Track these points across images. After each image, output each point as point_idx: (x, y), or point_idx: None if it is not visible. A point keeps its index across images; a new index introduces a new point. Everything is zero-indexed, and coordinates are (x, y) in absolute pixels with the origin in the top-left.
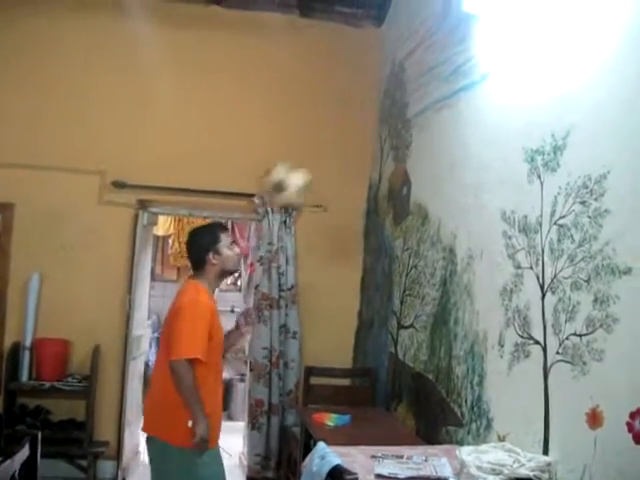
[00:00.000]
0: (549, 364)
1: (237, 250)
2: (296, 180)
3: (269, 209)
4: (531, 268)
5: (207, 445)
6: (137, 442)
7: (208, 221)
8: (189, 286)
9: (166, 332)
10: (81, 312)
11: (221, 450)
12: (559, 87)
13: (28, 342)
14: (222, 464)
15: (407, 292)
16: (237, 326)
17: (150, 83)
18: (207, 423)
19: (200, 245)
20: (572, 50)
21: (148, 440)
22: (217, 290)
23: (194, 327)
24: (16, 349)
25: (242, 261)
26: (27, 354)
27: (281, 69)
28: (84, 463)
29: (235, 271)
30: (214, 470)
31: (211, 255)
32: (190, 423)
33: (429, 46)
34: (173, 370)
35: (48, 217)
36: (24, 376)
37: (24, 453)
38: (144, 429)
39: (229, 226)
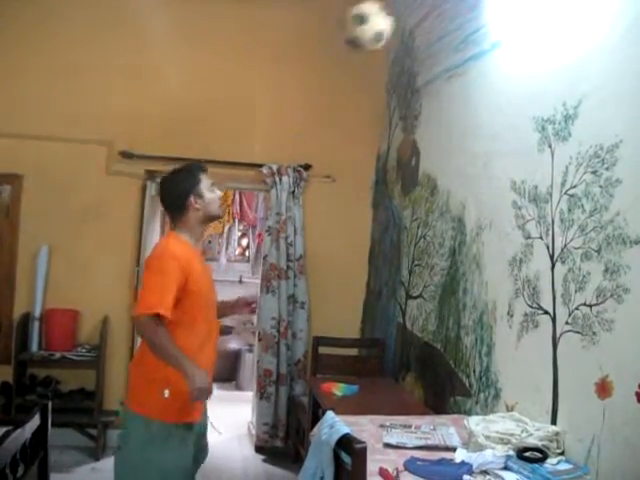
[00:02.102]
0: (558, 334)
1: (218, 192)
2: (381, 23)
3: (277, 179)
4: (541, 238)
5: (210, 392)
6: None
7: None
8: (162, 240)
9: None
10: (90, 283)
11: (210, 426)
12: (571, 55)
13: (38, 313)
14: (189, 448)
15: (416, 262)
16: (234, 304)
17: (157, 53)
18: (200, 370)
19: (179, 189)
20: (584, 18)
21: (124, 411)
22: (225, 260)
23: (156, 282)
24: (26, 320)
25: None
26: (37, 325)
27: (288, 39)
28: (94, 432)
29: (219, 216)
30: (175, 454)
31: (192, 199)
32: (167, 393)
33: (439, 14)
34: (138, 329)
35: (56, 188)
36: (34, 346)
37: (35, 422)
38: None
39: (234, 195)
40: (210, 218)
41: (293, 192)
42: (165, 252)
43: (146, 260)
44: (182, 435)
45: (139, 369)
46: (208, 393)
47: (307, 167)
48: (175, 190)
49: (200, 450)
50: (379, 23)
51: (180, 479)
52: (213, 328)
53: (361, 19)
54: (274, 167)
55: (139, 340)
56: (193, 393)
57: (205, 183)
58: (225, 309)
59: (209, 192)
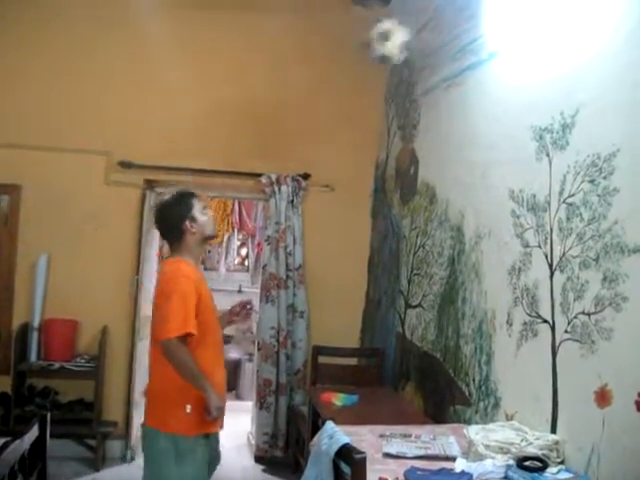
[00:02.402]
0: (557, 343)
1: (210, 213)
2: (401, 35)
3: (276, 188)
4: (539, 247)
5: (222, 411)
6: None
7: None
8: (168, 263)
9: (153, 318)
10: (89, 293)
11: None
12: (568, 65)
13: (36, 323)
14: (205, 457)
15: (415, 271)
16: (230, 313)
17: (156, 63)
18: (215, 391)
19: (174, 216)
20: (581, 27)
21: (143, 431)
22: (224, 270)
23: (179, 304)
24: (25, 330)
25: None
26: (36, 335)
27: (286, 48)
28: (93, 443)
29: (214, 236)
30: (198, 465)
31: (188, 223)
32: (189, 408)
33: (437, 24)
34: (165, 352)
35: (55, 198)
36: (33, 357)
37: (33, 433)
38: (144, 421)
39: (233, 205)
40: (206, 238)
41: (292, 201)
42: (178, 274)
43: (160, 285)
44: (203, 446)
45: (160, 391)
46: (221, 412)
47: (306, 176)
48: (170, 217)
49: (215, 457)
50: (400, 36)
51: None
52: (220, 344)
53: (385, 37)
54: (273, 176)
55: (140, 351)
56: (212, 412)
57: (197, 207)
58: (222, 321)
59: (202, 215)
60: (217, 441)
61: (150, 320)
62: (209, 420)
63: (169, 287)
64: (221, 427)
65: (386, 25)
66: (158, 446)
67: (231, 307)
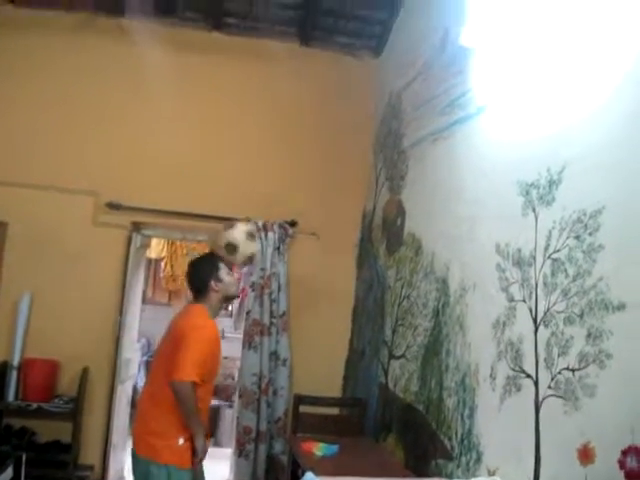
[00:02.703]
0: (541, 398)
1: (236, 276)
2: (240, 233)
3: (262, 235)
4: (524, 301)
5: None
6: (122, 467)
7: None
8: (196, 308)
9: (168, 352)
10: (71, 333)
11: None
12: (555, 122)
13: (16, 362)
14: None
15: (399, 322)
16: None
17: (148, 105)
18: (203, 441)
19: (202, 273)
20: (569, 85)
21: (135, 461)
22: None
23: (199, 350)
24: (4, 368)
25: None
26: (14, 374)
27: (279, 96)
28: None
29: (236, 296)
30: None
31: (213, 282)
32: (181, 441)
33: (426, 78)
34: (177, 390)
35: (41, 236)
36: (11, 396)
37: (7, 474)
38: (135, 450)
39: None
40: (228, 298)
41: (278, 248)
42: (206, 324)
43: (189, 326)
44: (192, 477)
45: (155, 426)
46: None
47: (293, 223)
48: (199, 274)
49: None
50: (247, 249)
51: None
52: (210, 396)
53: (233, 248)
54: (260, 223)
55: (119, 394)
56: (199, 456)
57: (224, 269)
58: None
59: (227, 276)
60: (202, 472)
61: (157, 352)
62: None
63: (197, 331)
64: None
65: (236, 236)
66: (151, 475)
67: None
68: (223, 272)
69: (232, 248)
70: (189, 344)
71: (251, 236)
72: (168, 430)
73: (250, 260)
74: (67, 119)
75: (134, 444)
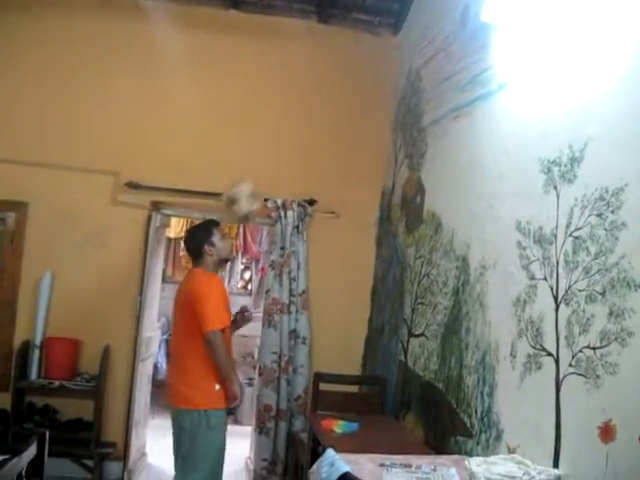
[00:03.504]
0: (561, 376)
1: (229, 240)
2: (243, 192)
3: (282, 213)
4: (545, 279)
5: (241, 401)
6: (144, 444)
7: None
8: (197, 272)
9: (185, 315)
10: (92, 312)
11: None
12: (577, 98)
13: (38, 341)
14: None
15: (419, 300)
16: (235, 320)
17: (167, 85)
18: (237, 386)
19: (197, 240)
20: (590, 61)
21: (174, 414)
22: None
23: (217, 301)
24: (26, 347)
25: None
26: (37, 353)
27: (297, 74)
28: (90, 463)
29: (231, 258)
30: (223, 433)
31: (207, 247)
32: (217, 387)
33: (446, 55)
34: (209, 341)
35: (61, 216)
36: (33, 374)
37: (31, 452)
38: (171, 402)
39: (238, 228)
40: (222, 261)
41: (297, 227)
42: (212, 279)
43: (197, 287)
44: (225, 417)
45: (191, 376)
46: (241, 401)
47: (312, 202)
48: (194, 240)
49: None
50: (247, 206)
51: (224, 454)
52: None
53: (232, 201)
54: (279, 201)
55: (141, 372)
56: (238, 397)
57: (217, 234)
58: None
59: (220, 241)
60: None
61: (173, 320)
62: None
63: (206, 287)
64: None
65: (238, 192)
66: (192, 422)
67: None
68: (216, 237)
69: (231, 202)
70: (205, 298)
71: (252, 196)
72: (202, 380)
73: (248, 219)
74: (86, 99)
75: (171, 396)
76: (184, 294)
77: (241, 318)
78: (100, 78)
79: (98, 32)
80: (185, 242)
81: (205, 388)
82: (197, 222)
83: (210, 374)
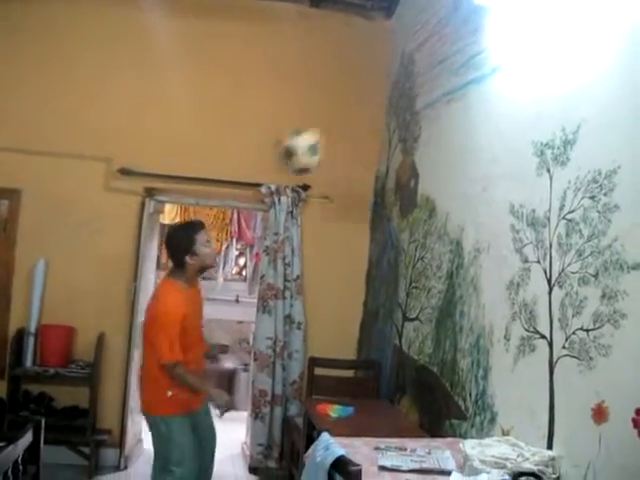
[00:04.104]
0: (555, 359)
1: (213, 246)
2: (303, 143)
3: (276, 199)
4: (538, 262)
5: (229, 404)
6: (139, 430)
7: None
8: (162, 289)
9: (147, 333)
10: (86, 299)
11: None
12: (570, 81)
13: (33, 328)
14: (192, 432)
15: (413, 284)
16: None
17: (159, 72)
18: (217, 389)
19: (177, 248)
20: (584, 43)
21: (146, 419)
22: (222, 279)
23: (169, 337)
24: (21, 335)
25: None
26: (32, 340)
27: (290, 59)
28: (87, 450)
29: (212, 267)
30: (186, 436)
31: (188, 257)
32: (169, 393)
33: (440, 38)
34: (169, 371)
35: (55, 203)
36: (28, 362)
37: (27, 439)
38: (141, 410)
39: (232, 214)
40: (204, 268)
41: (291, 212)
42: (169, 306)
43: (152, 313)
44: (188, 421)
45: (146, 382)
46: (229, 404)
47: (306, 188)
48: (174, 248)
49: (209, 428)
50: (304, 161)
51: (191, 452)
52: (197, 349)
53: (290, 153)
54: (273, 187)
55: (136, 359)
56: (222, 409)
57: (201, 240)
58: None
59: (204, 247)
60: (207, 412)
61: (143, 329)
62: (190, 400)
63: (161, 317)
64: (204, 401)
65: (299, 143)
66: (153, 426)
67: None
68: (199, 245)
69: (289, 153)
70: (160, 330)
71: (313, 149)
72: (157, 387)
73: (304, 171)
74: (79, 86)
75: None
76: (148, 310)
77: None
78: (93, 66)
79: (92, 20)
80: (166, 245)
81: (156, 394)
82: (178, 223)
83: (162, 380)
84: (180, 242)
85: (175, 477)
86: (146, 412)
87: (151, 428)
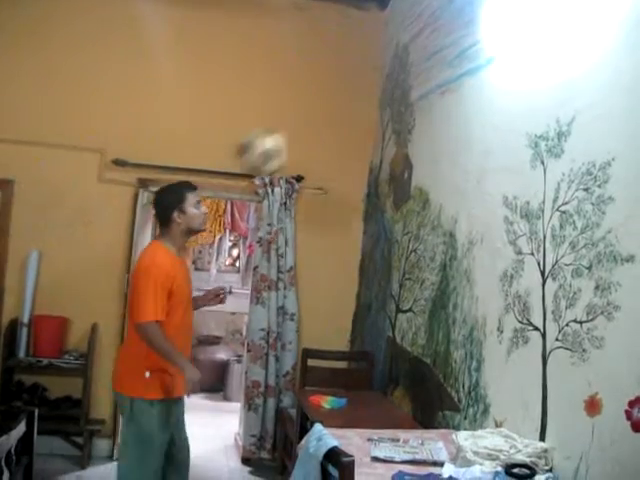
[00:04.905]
0: (548, 350)
1: (203, 209)
2: (265, 144)
3: (269, 190)
4: (532, 254)
5: (197, 378)
6: None
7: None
8: (148, 249)
9: (129, 295)
10: (79, 290)
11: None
12: (564, 72)
13: (26, 319)
14: (172, 416)
15: (406, 276)
16: (204, 297)
17: (153, 62)
18: (190, 364)
19: (165, 204)
20: (578, 35)
21: (114, 396)
22: (215, 270)
23: (152, 291)
24: (14, 325)
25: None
26: (25, 331)
27: (283, 50)
28: (80, 440)
29: (201, 230)
30: (153, 425)
31: (176, 214)
32: (147, 374)
33: (434, 29)
34: (140, 332)
35: (48, 194)
36: (21, 352)
37: (20, 429)
38: (112, 386)
39: (226, 205)
40: (191, 231)
41: (285, 203)
42: (153, 262)
43: (136, 270)
44: (164, 409)
45: (123, 358)
46: (198, 380)
47: (299, 179)
48: (162, 204)
49: (183, 439)
50: (254, 162)
51: (157, 447)
52: (187, 318)
53: (245, 149)
54: (266, 178)
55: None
56: (188, 384)
57: (190, 200)
58: (197, 302)
59: (193, 208)
60: (182, 411)
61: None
62: (171, 385)
63: (143, 274)
64: (186, 393)
65: (246, 139)
66: (121, 408)
67: (205, 292)
68: (189, 204)
69: (244, 151)
70: (140, 285)
71: (267, 154)
72: (134, 365)
73: (255, 171)
74: (72, 77)
75: (112, 380)
76: (134, 269)
77: (212, 297)
78: (87, 57)
79: (83, 11)
80: (153, 204)
81: (133, 373)
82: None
83: (141, 358)
84: (169, 198)
85: (131, 465)
86: (119, 391)
87: (120, 407)
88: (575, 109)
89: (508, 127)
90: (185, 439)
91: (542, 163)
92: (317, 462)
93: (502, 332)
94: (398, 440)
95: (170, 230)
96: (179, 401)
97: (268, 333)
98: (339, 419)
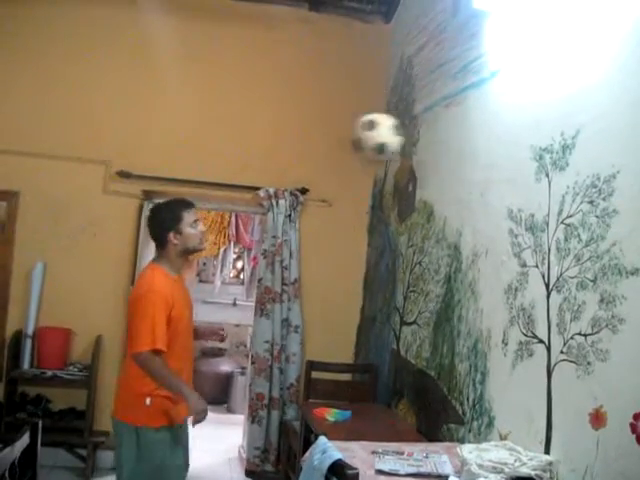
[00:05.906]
0: (553, 363)
1: (201, 227)
2: (386, 120)
3: (274, 202)
4: (537, 267)
5: (205, 413)
6: None
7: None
8: (146, 273)
9: (128, 324)
10: (84, 301)
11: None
12: (569, 86)
13: (30, 330)
14: (175, 447)
15: (411, 288)
16: (204, 333)
17: (158, 74)
18: (196, 394)
19: (161, 224)
20: (583, 49)
21: (112, 423)
22: (219, 282)
23: (150, 319)
24: (18, 337)
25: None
26: (29, 342)
27: (289, 62)
28: (84, 452)
29: (199, 250)
30: (164, 452)
31: (172, 235)
32: (148, 401)
33: (438, 43)
34: (138, 362)
35: (53, 206)
36: (26, 364)
37: (24, 441)
38: (112, 413)
39: (230, 217)
40: (189, 252)
41: (289, 216)
42: (151, 288)
43: (133, 296)
44: (170, 436)
45: (123, 385)
46: (205, 414)
47: (304, 191)
48: (156, 225)
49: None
50: (384, 136)
51: (173, 475)
52: (188, 343)
53: (369, 126)
54: (271, 190)
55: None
56: (195, 417)
57: (187, 220)
58: (196, 335)
59: (190, 228)
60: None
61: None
62: (174, 412)
63: (141, 301)
64: (192, 424)
65: (379, 118)
66: (121, 436)
67: (204, 329)
68: (185, 223)
69: (369, 125)
70: (137, 313)
71: (396, 128)
72: (131, 391)
73: (381, 151)
74: (77, 89)
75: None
76: (129, 299)
77: (208, 337)
78: (92, 68)
79: (90, 21)
80: (148, 225)
81: (133, 401)
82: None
83: (141, 385)
84: (164, 218)
85: None
86: (120, 418)
87: (119, 436)
88: (580, 122)
89: (513, 140)
90: (188, 466)
91: (547, 176)
92: (321, 475)
93: (507, 345)
94: (402, 453)
95: (167, 252)
96: (184, 426)
97: (272, 345)
98: (343, 432)
